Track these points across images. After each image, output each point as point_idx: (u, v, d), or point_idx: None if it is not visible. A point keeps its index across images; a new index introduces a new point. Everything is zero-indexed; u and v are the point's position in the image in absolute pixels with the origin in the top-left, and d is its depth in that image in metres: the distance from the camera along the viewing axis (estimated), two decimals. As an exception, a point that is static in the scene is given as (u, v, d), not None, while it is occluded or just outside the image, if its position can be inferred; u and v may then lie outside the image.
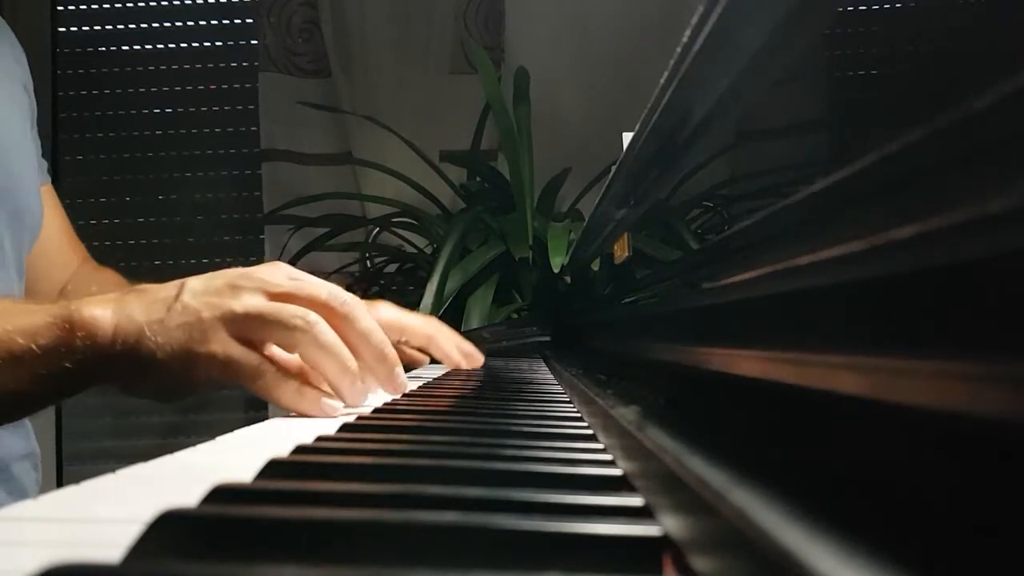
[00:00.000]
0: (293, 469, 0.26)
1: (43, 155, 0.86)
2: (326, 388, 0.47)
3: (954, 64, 0.17)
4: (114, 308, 0.47)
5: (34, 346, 0.46)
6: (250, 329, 0.46)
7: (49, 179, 0.89)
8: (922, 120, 0.15)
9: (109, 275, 0.89)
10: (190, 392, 0.49)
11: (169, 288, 0.48)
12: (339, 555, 0.18)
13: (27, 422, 0.77)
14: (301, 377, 0.47)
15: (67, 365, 0.46)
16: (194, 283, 0.48)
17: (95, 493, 0.25)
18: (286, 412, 0.48)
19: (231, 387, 0.48)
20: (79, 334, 0.46)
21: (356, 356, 0.47)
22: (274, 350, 0.48)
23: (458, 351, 0.76)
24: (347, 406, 0.47)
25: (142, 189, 1.87)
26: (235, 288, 0.47)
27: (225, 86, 1.88)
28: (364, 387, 0.47)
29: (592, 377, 0.59)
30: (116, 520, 0.22)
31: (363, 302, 0.50)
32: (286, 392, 0.46)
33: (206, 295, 0.47)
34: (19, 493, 0.73)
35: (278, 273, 0.49)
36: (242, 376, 0.46)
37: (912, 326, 0.15)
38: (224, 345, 0.45)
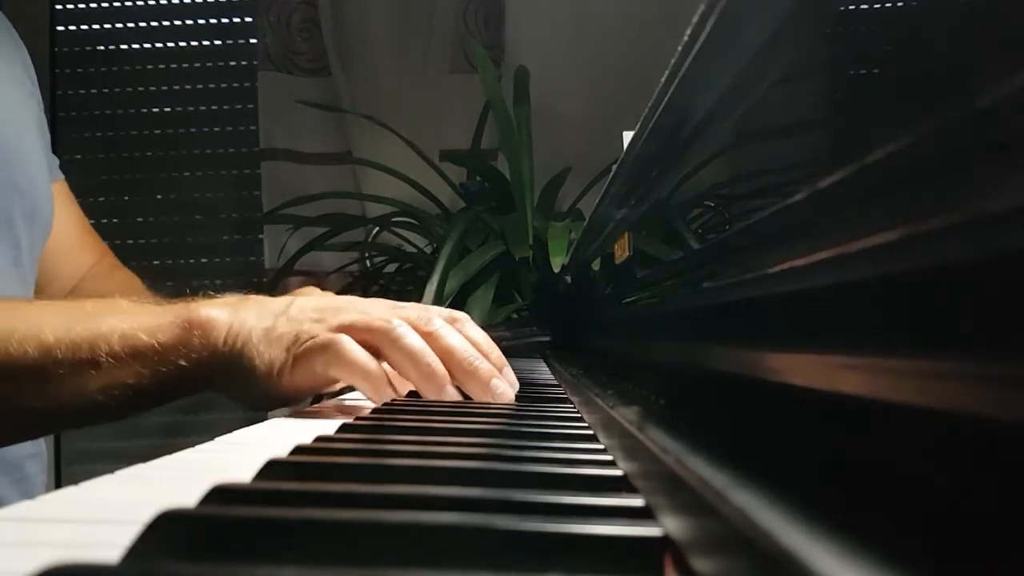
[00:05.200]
0: (292, 469, 0.26)
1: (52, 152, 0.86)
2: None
3: (954, 64, 0.17)
4: (231, 312, 0.49)
5: (155, 343, 0.48)
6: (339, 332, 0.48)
7: (62, 176, 0.88)
8: (922, 120, 0.15)
9: (125, 276, 0.89)
10: (284, 403, 0.51)
11: (280, 301, 0.51)
12: (339, 555, 0.18)
13: None
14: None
15: (183, 363, 0.48)
16: (303, 301, 0.51)
17: (94, 493, 0.25)
18: (287, 413, 0.48)
19: (320, 391, 0.51)
20: (196, 332, 0.48)
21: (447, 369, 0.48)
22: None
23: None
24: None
25: (142, 189, 1.87)
26: (338, 309, 0.50)
27: (225, 85, 1.87)
28: (450, 393, 0.48)
29: (592, 377, 0.59)
30: (115, 520, 0.22)
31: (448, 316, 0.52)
32: (349, 364, 0.47)
33: (312, 311, 0.50)
34: (30, 493, 0.73)
35: (381, 303, 0.52)
36: (317, 353, 0.47)
37: (912, 326, 0.15)
38: (315, 338, 0.48)
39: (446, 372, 0.48)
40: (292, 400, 0.51)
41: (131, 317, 0.49)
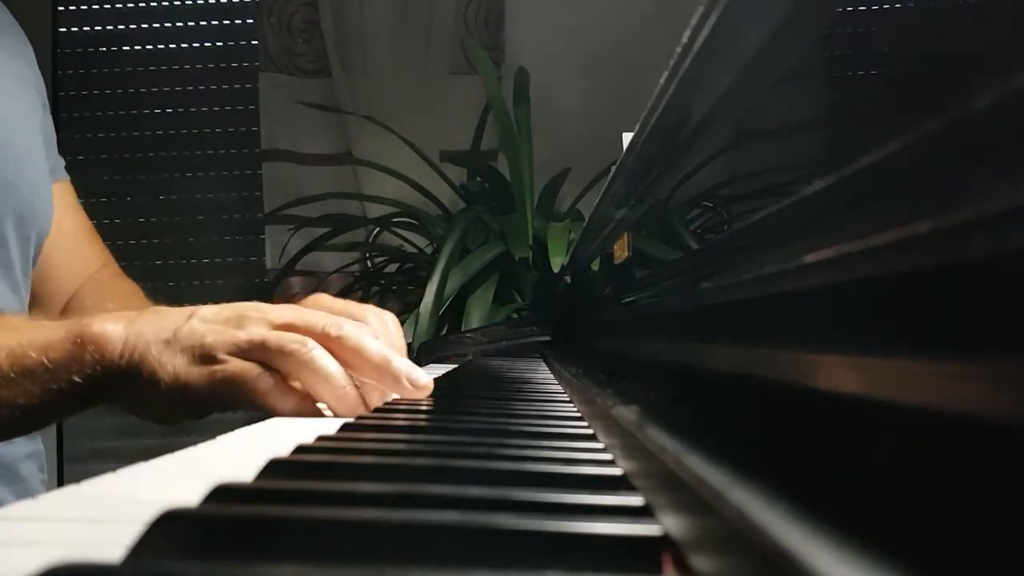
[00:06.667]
0: (294, 469, 0.26)
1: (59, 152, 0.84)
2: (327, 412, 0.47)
3: (954, 64, 0.17)
4: (125, 325, 0.48)
5: (45, 360, 0.46)
6: (251, 355, 0.47)
7: (66, 177, 0.86)
8: (922, 120, 0.15)
9: (126, 287, 0.86)
10: (189, 415, 0.49)
11: (181, 312, 0.49)
12: (339, 555, 0.18)
13: None
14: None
15: (76, 380, 0.46)
16: (205, 311, 0.49)
17: (96, 493, 0.25)
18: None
19: (231, 409, 0.48)
20: (89, 348, 0.46)
21: (358, 374, 0.47)
22: None
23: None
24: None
25: (142, 189, 1.87)
26: (242, 318, 0.48)
27: (225, 86, 1.88)
28: (361, 407, 0.47)
29: (592, 377, 0.59)
30: (117, 520, 0.22)
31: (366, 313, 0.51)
32: (287, 403, 0.46)
33: (214, 322, 0.48)
34: (26, 495, 0.73)
35: (285, 308, 0.50)
36: (241, 387, 0.46)
37: (912, 326, 0.15)
38: (224, 364, 0.46)
39: (358, 395, 0.47)
40: (199, 413, 0.49)
41: (20, 333, 0.47)
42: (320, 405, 0.47)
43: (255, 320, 0.48)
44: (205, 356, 0.46)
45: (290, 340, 0.46)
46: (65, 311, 0.81)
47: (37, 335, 0.47)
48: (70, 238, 0.84)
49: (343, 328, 0.48)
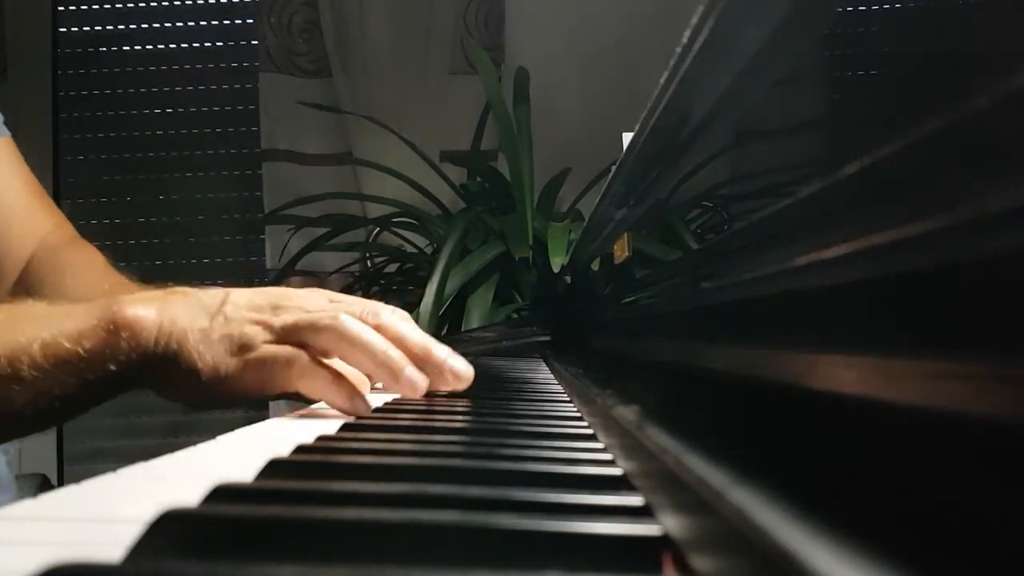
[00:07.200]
0: (294, 469, 0.26)
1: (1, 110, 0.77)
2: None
3: (954, 64, 0.17)
4: (157, 309, 0.47)
5: (81, 350, 0.45)
6: (287, 337, 0.47)
7: (7, 132, 0.78)
8: (922, 120, 0.15)
9: (85, 250, 0.79)
10: (225, 402, 0.49)
11: (213, 296, 0.48)
12: (340, 555, 0.18)
13: None
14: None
15: (112, 368, 0.46)
16: (237, 296, 0.48)
17: (96, 493, 0.25)
18: (287, 412, 0.48)
19: (267, 396, 0.48)
20: (123, 335, 0.46)
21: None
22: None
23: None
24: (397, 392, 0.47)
25: (142, 189, 1.87)
26: (276, 307, 0.48)
27: (225, 86, 1.88)
28: (409, 377, 0.46)
29: (592, 377, 0.59)
30: (117, 520, 0.22)
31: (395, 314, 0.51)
32: (318, 381, 0.45)
33: (249, 310, 0.48)
34: None
35: (318, 296, 0.50)
36: (277, 369, 0.46)
37: (912, 326, 0.15)
38: (261, 350, 0.46)
39: (402, 354, 0.46)
40: (235, 401, 0.49)
41: (51, 323, 0.46)
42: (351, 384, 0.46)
43: (290, 308, 0.48)
44: (244, 346, 0.46)
45: (324, 316, 0.46)
46: (19, 284, 0.77)
47: (68, 324, 0.46)
48: (16, 198, 0.78)
49: (380, 316, 0.48)
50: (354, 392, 0.45)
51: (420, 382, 0.46)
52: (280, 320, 0.47)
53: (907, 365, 0.15)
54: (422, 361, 0.47)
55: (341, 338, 0.46)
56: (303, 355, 0.46)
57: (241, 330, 0.46)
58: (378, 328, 0.47)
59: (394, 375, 0.46)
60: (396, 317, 0.49)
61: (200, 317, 0.47)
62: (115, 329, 0.46)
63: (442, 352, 0.48)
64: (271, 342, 0.47)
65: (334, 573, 0.16)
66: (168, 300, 0.48)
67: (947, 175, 0.15)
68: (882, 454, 0.17)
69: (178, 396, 0.50)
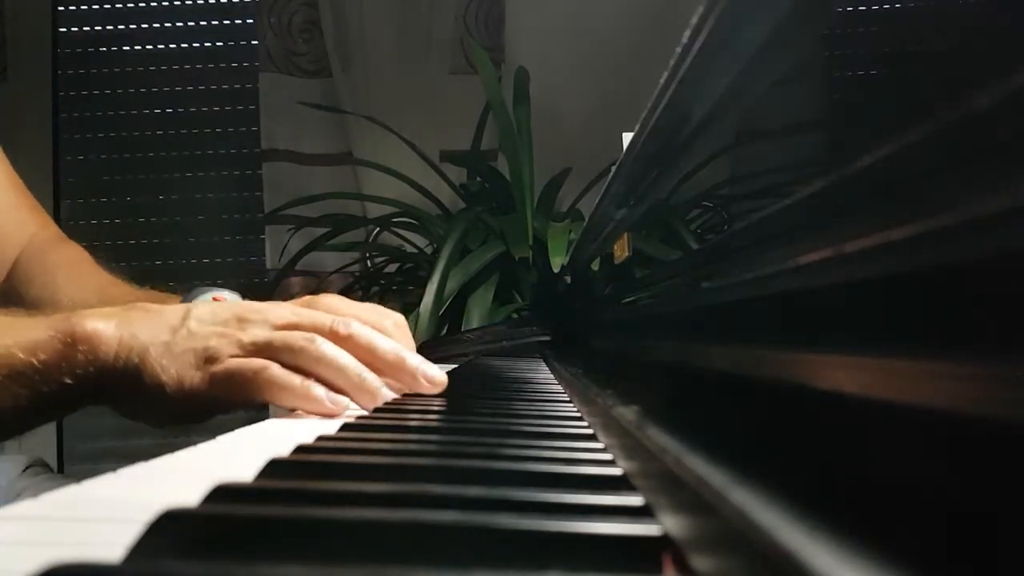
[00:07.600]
0: (294, 468, 0.26)
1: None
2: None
3: (954, 64, 0.17)
4: (117, 323, 0.46)
5: (35, 361, 0.44)
6: (258, 354, 0.46)
7: None
8: (921, 120, 0.15)
9: (72, 251, 0.79)
10: (187, 419, 0.48)
11: (173, 312, 0.48)
12: (339, 555, 0.18)
13: None
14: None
15: (68, 381, 0.45)
16: (200, 311, 0.47)
17: (96, 492, 0.25)
18: (287, 412, 0.48)
19: (235, 409, 0.48)
20: (81, 348, 0.45)
21: (374, 371, 0.47)
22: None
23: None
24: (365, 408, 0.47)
25: (142, 189, 1.87)
26: (242, 320, 0.47)
27: (225, 86, 1.88)
28: (384, 394, 0.46)
29: (592, 376, 0.59)
30: (117, 520, 0.22)
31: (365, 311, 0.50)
32: (287, 391, 0.45)
33: (213, 324, 0.47)
34: None
35: (283, 308, 0.49)
36: (245, 381, 0.45)
37: (912, 326, 0.15)
38: (228, 362, 0.45)
39: (377, 379, 0.46)
40: (203, 419, 0.48)
41: (6, 333, 0.45)
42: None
43: (256, 322, 0.47)
44: (210, 358, 0.45)
45: (298, 337, 0.46)
46: (7, 283, 0.76)
47: (24, 334, 0.45)
48: (1, 199, 0.77)
49: (351, 327, 0.47)
50: (326, 395, 0.45)
51: (391, 396, 0.47)
52: (249, 335, 0.46)
53: (907, 365, 0.15)
54: (396, 369, 0.48)
55: (317, 361, 0.45)
56: (272, 365, 0.45)
57: (206, 343, 0.46)
58: (349, 339, 0.47)
59: (372, 398, 0.46)
60: (366, 328, 0.48)
61: (162, 331, 0.46)
62: (72, 342, 0.44)
63: (414, 360, 0.48)
64: (238, 356, 0.46)
65: (334, 573, 0.16)
66: (129, 315, 0.47)
67: (947, 175, 0.15)
68: (882, 454, 0.17)
69: (139, 413, 0.48)
